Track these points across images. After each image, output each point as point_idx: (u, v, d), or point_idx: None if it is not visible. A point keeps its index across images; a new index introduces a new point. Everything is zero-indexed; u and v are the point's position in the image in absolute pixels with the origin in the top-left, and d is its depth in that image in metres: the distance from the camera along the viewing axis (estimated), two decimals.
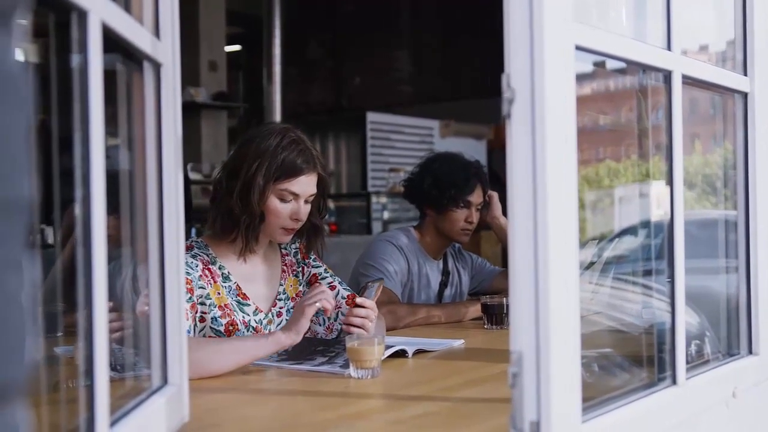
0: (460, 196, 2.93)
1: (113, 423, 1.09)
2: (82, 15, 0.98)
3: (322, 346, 2.09)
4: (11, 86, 0.56)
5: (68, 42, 1.01)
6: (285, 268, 2.33)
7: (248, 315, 2.18)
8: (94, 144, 1.00)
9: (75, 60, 1.01)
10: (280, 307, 2.28)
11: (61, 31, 1.02)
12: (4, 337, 0.55)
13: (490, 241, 6.49)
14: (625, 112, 2.05)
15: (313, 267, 2.37)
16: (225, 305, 2.14)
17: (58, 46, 1.04)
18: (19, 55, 0.58)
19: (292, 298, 2.31)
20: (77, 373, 1.37)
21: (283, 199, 2.14)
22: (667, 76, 1.49)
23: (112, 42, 1.10)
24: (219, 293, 2.14)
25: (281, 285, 2.30)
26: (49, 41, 1.04)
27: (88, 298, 1.00)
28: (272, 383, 1.81)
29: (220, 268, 2.18)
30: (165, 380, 1.36)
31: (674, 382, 1.49)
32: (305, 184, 2.16)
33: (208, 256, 2.17)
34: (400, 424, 1.47)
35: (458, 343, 2.31)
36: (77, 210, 1.02)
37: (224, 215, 2.15)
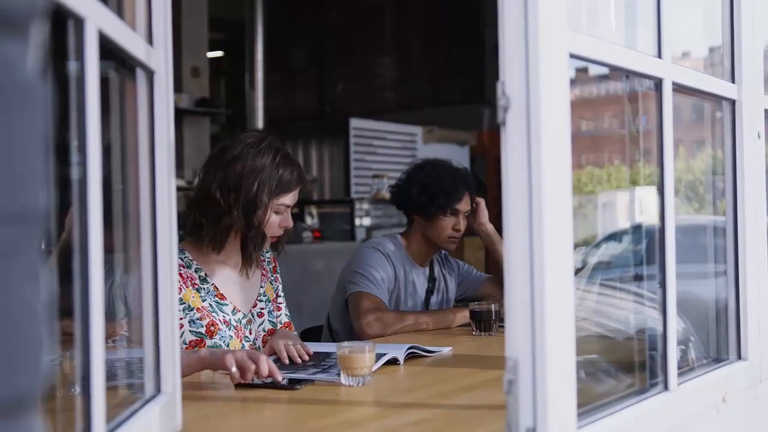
0: (449, 204, 2.93)
1: None
2: (79, 22, 0.98)
3: (313, 360, 2.08)
4: (29, 95, 0.56)
5: (64, 48, 1.00)
6: (264, 272, 2.41)
7: (227, 314, 2.23)
8: (91, 151, 0.99)
9: (71, 67, 1.01)
10: (261, 308, 2.35)
11: (56, 38, 1.02)
12: (22, 347, 0.54)
13: (473, 247, 6.50)
14: (607, 118, 2.07)
15: (279, 282, 2.48)
16: (202, 307, 2.19)
17: (53, 53, 1.04)
18: (36, 64, 0.58)
19: (272, 300, 2.40)
20: (67, 381, 1.36)
21: (277, 212, 2.25)
22: (658, 83, 1.50)
23: (106, 49, 1.09)
24: (194, 297, 2.19)
25: (261, 287, 2.37)
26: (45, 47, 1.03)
27: (85, 308, 0.99)
28: (264, 392, 1.80)
29: (196, 271, 2.23)
30: (158, 389, 1.35)
31: (666, 387, 1.49)
32: (296, 196, 2.29)
33: (182, 259, 2.22)
34: (396, 431, 1.47)
35: (447, 350, 2.31)
36: (69, 217, 1.01)
37: (225, 231, 2.21)
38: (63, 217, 1.14)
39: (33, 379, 0.55)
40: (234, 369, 1.78)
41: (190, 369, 1.90)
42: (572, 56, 1.23)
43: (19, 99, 0.55)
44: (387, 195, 3.21)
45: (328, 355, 2.14)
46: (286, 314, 2.46)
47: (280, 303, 2.46)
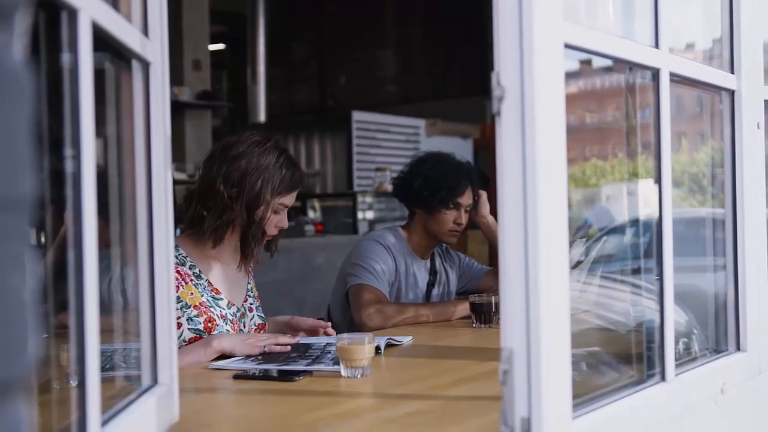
0: (451, 198, 2.93)
1: (104, 423, 1.08)
2: (73, 13, 0.98)
3: (295, 353, 2.08)
4: (13, 84, 0.56)
5: (58, 40, 1.00)
6: (250, 270, 2.45)
7: (223, 309, 2.27)
8: (85, 144, 0.99)
9: (64, 58, 1.01)
10: (250, 303, 2.40)
11: (50, 29, 1.02)
12: (8, 333, 0.55)
13: (476, 241, 6.50)
14: (611, 110, 2.06)
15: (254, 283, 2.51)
16: (200, 303, 2.22)
17: (47, 44, 1.04)
18: (20, 54, 0.58)
19: (257, 296, 2.45)
20: (63, 373, 1.37)
21: (276, 212, 2.28)
22: (655, 73, 1.50)
23: (101, 40, 1.09)
24: (192, 293, 2.22)
25: (249, 283, 2.42)
26: (38, 39, 1.03)
27: (79, 299, 0.99)
28: (262, 383, 1.80)
29: (190, 268, 2.26)
30: (155, 380, 1.35)
31: (663, 378, 1.50)
32: (294, 197, 2.33)
33: (177, 257, 2.23)
34: (392, 422, 1.48)
35: (407, 339, 2.33)
36: (67, 211, 1.01)
37: (225, 225, 2.24)
38: (62, 211, 1.13)
39: (19, 365, 0.56)
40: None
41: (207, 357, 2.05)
42: (567, 47, 1.22)
43: (4, 88, 0.55)
44: (390, 188, 3.21)
45: (309, 346, 2.15)
46: (260, 316, 2.46)
47: (252, 304, 2.48)
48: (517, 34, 1.15)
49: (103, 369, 1.13)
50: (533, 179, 1.14)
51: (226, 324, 2.24)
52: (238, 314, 2.32)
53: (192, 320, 2.18)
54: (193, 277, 2.24)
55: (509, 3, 1.15)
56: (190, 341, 2.16)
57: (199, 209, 2.24)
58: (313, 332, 2.38)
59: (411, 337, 2.37)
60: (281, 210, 2.29)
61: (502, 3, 1.15)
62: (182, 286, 2.19)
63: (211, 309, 2.22)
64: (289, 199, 2.30)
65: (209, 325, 2.20)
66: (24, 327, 0.56)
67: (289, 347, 2.11)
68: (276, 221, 2.29)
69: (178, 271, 2.19)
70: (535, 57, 1.14)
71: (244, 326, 2.33)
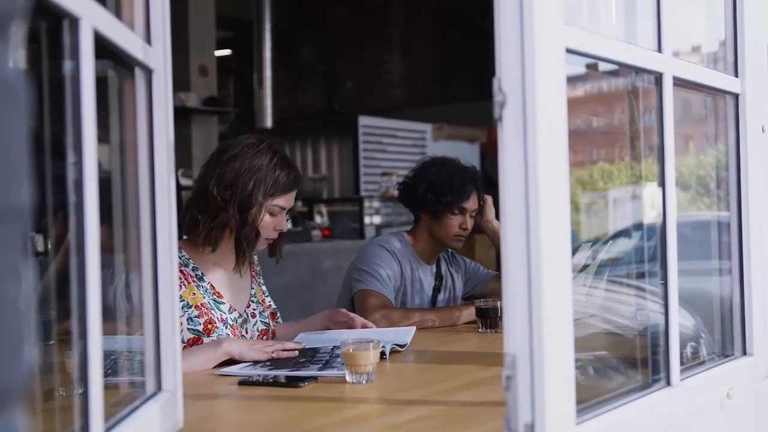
0: (456, 203, 2.92)
1: (107, 430, 1.08)
2: (74, 22, 0.98)
3: (304, 359, 2.08)
4: (9, 93, 0.56)
5: (59, 48, 1.00)
6: (254, 274, 2.45)
7: (224, 313, 2.27)
8: (87, 151, 1.00)
9: (66, 66, 1.01)
10: (253, 309, 2.40)
11: (51, 37, 1.02)
12: (3, 342, 0.55)
13: (484, 245, 6.49)
14: (618, 113, 2.06)
15: (263, 284, 2.51)
16: (201, 304, 2.22)
17: (49, 52, 1.04)
18: (17, 63, 0.58)
19: (261, 302, 2.43)
20: (68, 380, 1.37)
21: (272, 214, 2.27)
22: (658, 78, 1.50)
23: (103, 48, 1.10)
24: (194, 293, 2.22)
25: (252, 289, 2.41)
26: (40, 47, 1.03)
27: (82, 306, 0.99)
28: (267, 390, 1.80)
29: (193, 270, 2.26)
30: (159, 387, 1.35)
31: (668, 383, 1.49)
32: (292, 199, 2.31)
33: (180, 258, 2.23)
34: (397, 428, 1.47)
35: (411, 331, 2.38)
36: (71, 217, 1.02)
37: (220, 228, 2.24)
38: (68, 218, 1.14)
39: (14, 374, 0.56)
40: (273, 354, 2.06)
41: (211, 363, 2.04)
42: (569, 51, 1.22)
43: (0, 97, 0.56)
44: (395, 192, 3.22)
45: (316, 350, 2.15)
46: (263, 321, 2.46)
47: (270, 301, 2.50)
48: (518, 39, 1.15)
49: (106, 374, 1.13)
50: (535, 184, 1.14)
51: (226, 328, 2.24)
52: (240, 320, 2.31)
53: (192, 320, 2.18)
54: (195, 279, 2.24)
55: (510, 7, 1.15)
56: (189, 342, 2.16)
57: (194, 213, 2.24)
58: (348, 325, 2.41)
59: (414, 328, 2.40)
60: (277, 212, 2.28)
61: (503, 8, 1.15)
62: (184, 285, 2.20)
63: (212, 311, 2.23)
64: (285, 201, 2.28)
65: (209, 326, 2.20)
66: (20, 336, 0.56)
67: (296, 353, 2.11)
68: (274, 224, 2.28)
69: (181, 271, 2.20)
70: (537, 62, 1.14)
71: (246, 332, 2.32)
